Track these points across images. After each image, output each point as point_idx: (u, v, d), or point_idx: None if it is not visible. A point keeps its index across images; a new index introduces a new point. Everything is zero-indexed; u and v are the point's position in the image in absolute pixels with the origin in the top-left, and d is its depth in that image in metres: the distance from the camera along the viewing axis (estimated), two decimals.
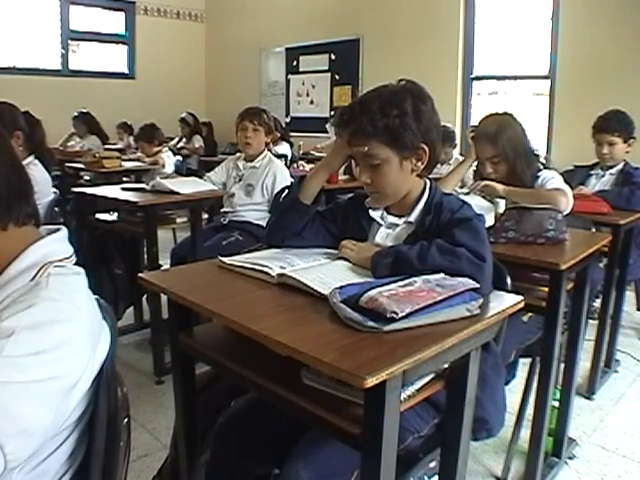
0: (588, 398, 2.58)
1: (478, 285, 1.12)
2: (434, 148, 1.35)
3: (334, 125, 1.46)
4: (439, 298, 1.03)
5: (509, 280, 1.41)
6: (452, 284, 1.09)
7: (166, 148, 4.80)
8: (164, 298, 1.35)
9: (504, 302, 1.18)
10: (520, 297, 1.21)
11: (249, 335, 1.03)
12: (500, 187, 2.10)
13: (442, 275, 1.15)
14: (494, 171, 2.16)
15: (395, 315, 0.97)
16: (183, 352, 1.36)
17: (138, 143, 4.73)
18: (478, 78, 5.62)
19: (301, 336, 0.98)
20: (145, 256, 2.98)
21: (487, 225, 1.48)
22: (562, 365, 2.04)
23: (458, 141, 4.78)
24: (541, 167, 2.22)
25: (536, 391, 1.88)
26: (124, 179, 4.45)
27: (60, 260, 0.90)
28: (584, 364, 2.55)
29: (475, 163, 2.27)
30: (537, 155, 2.23)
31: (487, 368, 1.28)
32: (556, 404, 2.06)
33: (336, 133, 1.45)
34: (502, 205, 1.96)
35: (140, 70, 7.95)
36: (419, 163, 1.36)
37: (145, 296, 3.15)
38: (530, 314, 1.93)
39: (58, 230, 0.95)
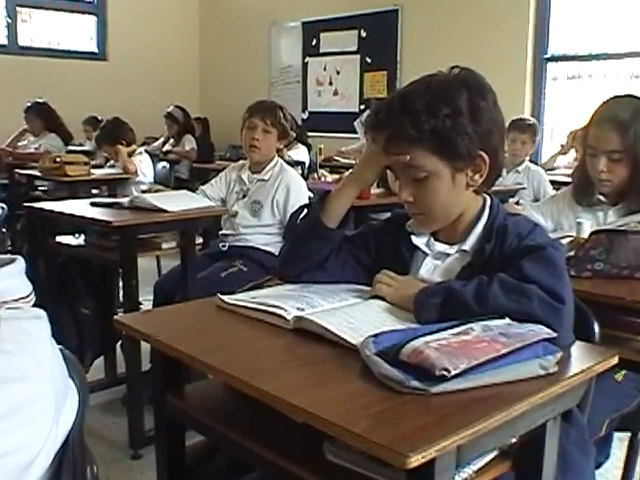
0: None
1: (555, 334, 1.13)
2: (496, 156, 1.37)
3: (366, 126, 1.48)
4: (504, 351, 1.04)
5: (597, 327, 1.41)
6: (520, 332, 1.10)
7: (140, 150, 4.81)
8: (145, 346, 1.38)
9: (591, 356, 1.19)
10: (613, 350, 1.21)
11: (256, 396, 1.04)
12: None
13: (507, 321, 1.16)
14: (608, 171, 2.05)
15: (446, 373, 0.98)
16: (170, 417, 1.38)
17: (102, 148, 4.72)
18: (554, 59, 5.66)
19: (324, 398, 0.99)
20: (121, 291, 3.02)
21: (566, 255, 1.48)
22: None
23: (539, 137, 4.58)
24: None
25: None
26: (93, 191, 4.50)
27: (15, 300, 0.91)
28: None
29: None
30: None
31: (569, 444, 1.27)
32: None
33: (368, 136, 1.48)
34: (587, 228, 1.95)
35: (113, 49, 8.06)
36: (476, 176, 1.37)
37: (120, 343, 3.18)
38: (626, 372, 1.91)
39: (12, 261, 0.96)
